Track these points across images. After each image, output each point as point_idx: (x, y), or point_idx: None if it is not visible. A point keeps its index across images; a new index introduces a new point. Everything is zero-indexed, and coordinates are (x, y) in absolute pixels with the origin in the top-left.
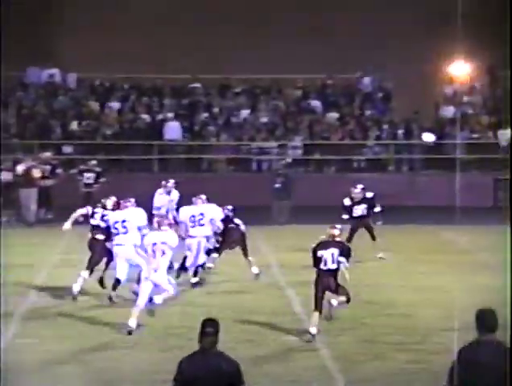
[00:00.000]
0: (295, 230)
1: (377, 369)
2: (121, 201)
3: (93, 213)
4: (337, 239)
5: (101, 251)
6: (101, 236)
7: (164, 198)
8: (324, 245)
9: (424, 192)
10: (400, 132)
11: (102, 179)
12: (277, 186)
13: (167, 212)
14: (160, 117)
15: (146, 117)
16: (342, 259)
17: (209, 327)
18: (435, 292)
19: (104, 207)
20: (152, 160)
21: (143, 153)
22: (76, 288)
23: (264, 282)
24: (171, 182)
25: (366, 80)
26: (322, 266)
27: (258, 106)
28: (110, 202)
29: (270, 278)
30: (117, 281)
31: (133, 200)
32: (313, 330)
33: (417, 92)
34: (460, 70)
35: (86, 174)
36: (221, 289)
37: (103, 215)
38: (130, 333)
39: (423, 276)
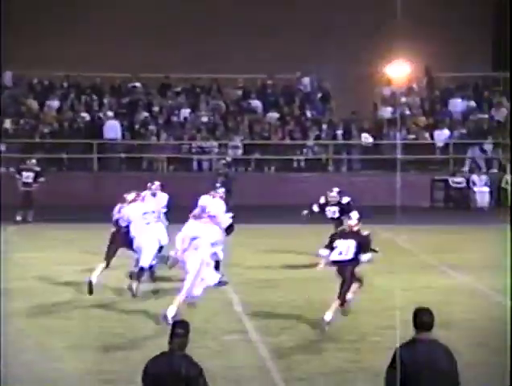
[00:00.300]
0: (236, 229)
1: (316, 368)
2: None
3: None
4: (355, 229)
5: (119, 242)
6: (123, 229)
7: (150, 200)
8: (342, 235)
9: (363, 192)
10: (339, 132)
11: (41, 179)
12: (217, 185)
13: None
14: (100, 115)
15: (85, 115)
16: (365, 257)
17: (179, 329)
18: (374, 291)
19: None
20: (92, 159)
21: (83, 152)
22: (94, 279)
23: None
24: (156, 184)
25: (305, 80)
26: (336, 256)
27: (198, 105)
28: (132, 195)
29: None
30: (142, 269)
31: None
32: (328, 316)
33: (356, 93)
34: (398, 71)
35: (25, 174)
36: (161, 287)
37: (120, 208)
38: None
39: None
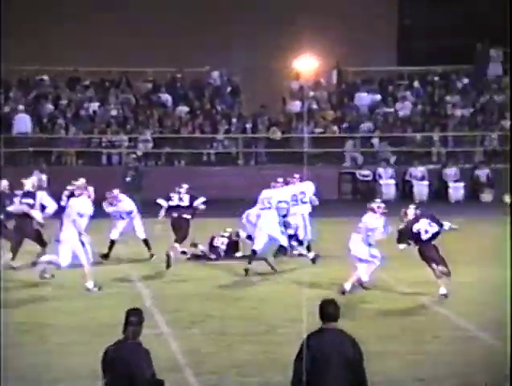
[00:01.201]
0: (146, 223)
1: (225, 360)
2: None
3: (169, 197)
4: (416, 214)
5: (187, 228)
6: (187, 215)
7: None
8: (414, 220)
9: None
10: (248, 126)
11: None
12: (127, 179)
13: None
14: (7, 109)
15: None
16: (446, 224)
17: (133, 317)
18: (284, 283)
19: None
20: None
21: None
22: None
23: (114, 277)
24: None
25: (215, 74)
26: (423, 237)
27: (107, 99)
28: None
29: (121, 273)
30: (254, 252)
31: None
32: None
33: (265, 87)
34: (306, 65)
35: None
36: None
37: (180, 198)
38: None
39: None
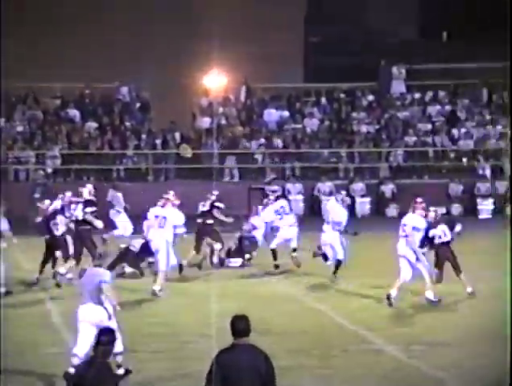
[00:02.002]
0: None
1: (136, 378)
2: None
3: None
4: (436, 218)
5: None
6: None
7: None
8: (432, 225)
9: (182, 201)
10: (158, 142)
11: None
12: (36, 196)
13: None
14: None
15: None
16: (458, 228)
17: (104, 336)
18: (195, 297)
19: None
20: None
21: None
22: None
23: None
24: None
25: (124, 89)
26: (437, 241)
27: (13, 115)
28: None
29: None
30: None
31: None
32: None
33: (175, 103)
34: (215, 82)
35: None
36: None
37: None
38: None
39: (185, 283)
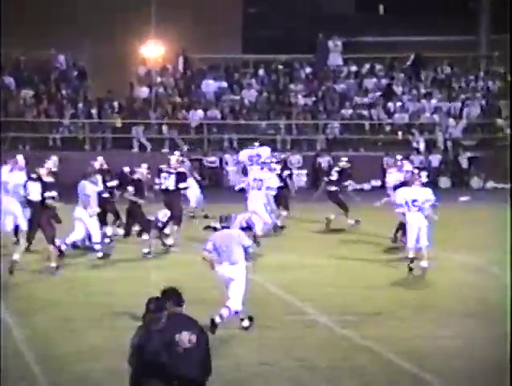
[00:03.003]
0: None
1: (70, 347)
2: None
3: None
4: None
5: None
6: None
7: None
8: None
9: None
10: (94, 111)
11: None
12: None
13: None
14: None
15: None
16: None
17: (151, 304)
18: (133, 269)
19: None
20: None
21: None
22: None
23: None
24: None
25: (61, 57)
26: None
27: None
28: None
29: None
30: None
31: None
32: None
33: (112, 72)
34: (153, 51)
35: None
36: None
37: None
38: None
39: (119, 253)
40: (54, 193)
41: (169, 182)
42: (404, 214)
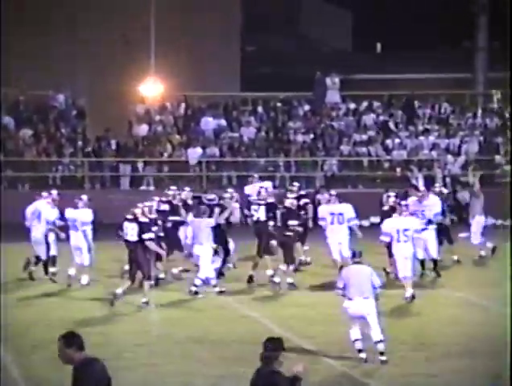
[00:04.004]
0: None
1: None
2: None
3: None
4: None
5: None
6: None
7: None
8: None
9: (117, 209)
10: (93, 149)
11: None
12: None
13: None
14: None
15: None
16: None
17: (269, 344)
18: (127, 307)
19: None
20: None
21: None
22: None
23: None
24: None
25: (60, 97)
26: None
27: None
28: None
29: None
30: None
31: None
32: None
33: (110, 111)
34: (151, 89)
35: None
36: None
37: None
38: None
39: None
40: (151, 234)
41: (259, 214)
42: (390, 244)
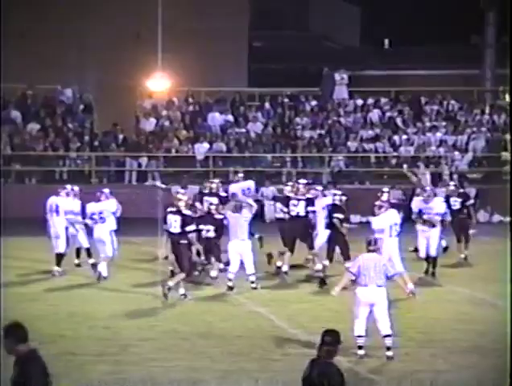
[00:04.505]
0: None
1: (76, 382)
2: None
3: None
4: None
5: None
6: None
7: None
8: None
9: (126, 204)
10: (100, 144)
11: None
12: None
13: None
14: None
15: None
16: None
17: (328, 337)
18: (138, 301)
19: None
20: None
21: None
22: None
23: None
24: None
25: (68, 91)
26: None
27: None
28: None
29: None
30: None
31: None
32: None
33: (118, 105)
34: (159, 84)
35: None
36: None
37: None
38: None
39: (127, 286)
40: (193, 227)
41: (299, 209)
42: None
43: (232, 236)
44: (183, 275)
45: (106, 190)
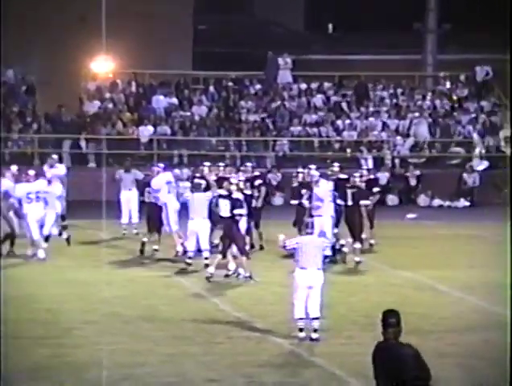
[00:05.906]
0: None
1: (18, 364)
2: None
3: None
4: None
5: None
6: None
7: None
8: None
9: (69, 187)
10: (43, 126)
11: None
12: None
13: None
14: None
15: None
16: None
17: (392, 318)
18: (81, 284)
19: None
20: None
21: None
22: None
23: None
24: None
25: (10, 72)
26: None
27: None
28: None
29: None
30: None
31: None
32: None
33: (61, 87)
34: (103, 66)
35: None
36: None
37: None
38: None
39: (70, 269)
40: (242, 210)
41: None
42: None
43: (193, 214)
44: (219, 256)
45: (31, 172)
